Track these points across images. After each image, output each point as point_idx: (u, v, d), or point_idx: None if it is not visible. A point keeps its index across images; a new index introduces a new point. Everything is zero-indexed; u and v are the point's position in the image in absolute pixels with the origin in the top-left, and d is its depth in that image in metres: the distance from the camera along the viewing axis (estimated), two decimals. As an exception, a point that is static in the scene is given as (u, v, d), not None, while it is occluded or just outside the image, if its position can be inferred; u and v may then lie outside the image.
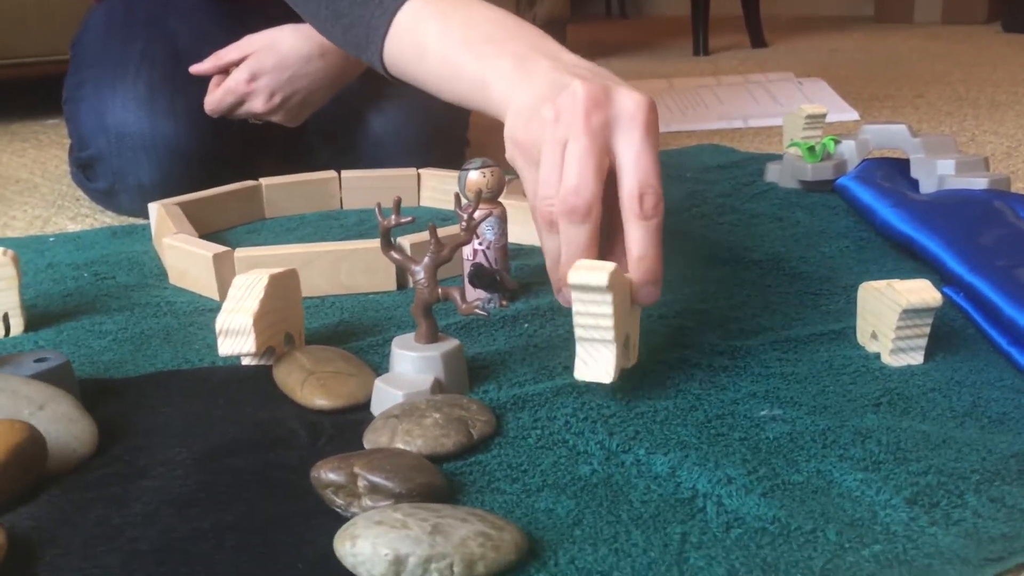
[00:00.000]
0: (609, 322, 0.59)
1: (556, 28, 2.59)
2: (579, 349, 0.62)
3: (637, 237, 0.63)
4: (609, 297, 0.58)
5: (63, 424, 0.59)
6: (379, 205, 0.68)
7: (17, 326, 0.80)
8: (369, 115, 1.26)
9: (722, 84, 1.99)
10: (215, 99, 1.16)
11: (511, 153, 0.67)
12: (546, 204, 0.63)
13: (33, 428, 0.55)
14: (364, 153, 1.27)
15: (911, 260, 0.92)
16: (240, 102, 1.17)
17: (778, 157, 1.33)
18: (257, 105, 1.17)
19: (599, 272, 0.58)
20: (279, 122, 1.21)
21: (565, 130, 0.62)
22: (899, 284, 0.69)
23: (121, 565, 0.48)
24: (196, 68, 1.18)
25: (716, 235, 1.04)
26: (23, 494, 0.54)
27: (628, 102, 0.62)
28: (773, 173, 1.26)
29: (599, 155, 0.61)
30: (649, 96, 0.63)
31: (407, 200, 1.21)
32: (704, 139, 1.63)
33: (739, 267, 0.94)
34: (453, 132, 1.33)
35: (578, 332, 0.61)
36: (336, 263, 0.90)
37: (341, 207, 1.22)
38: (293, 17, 0.96)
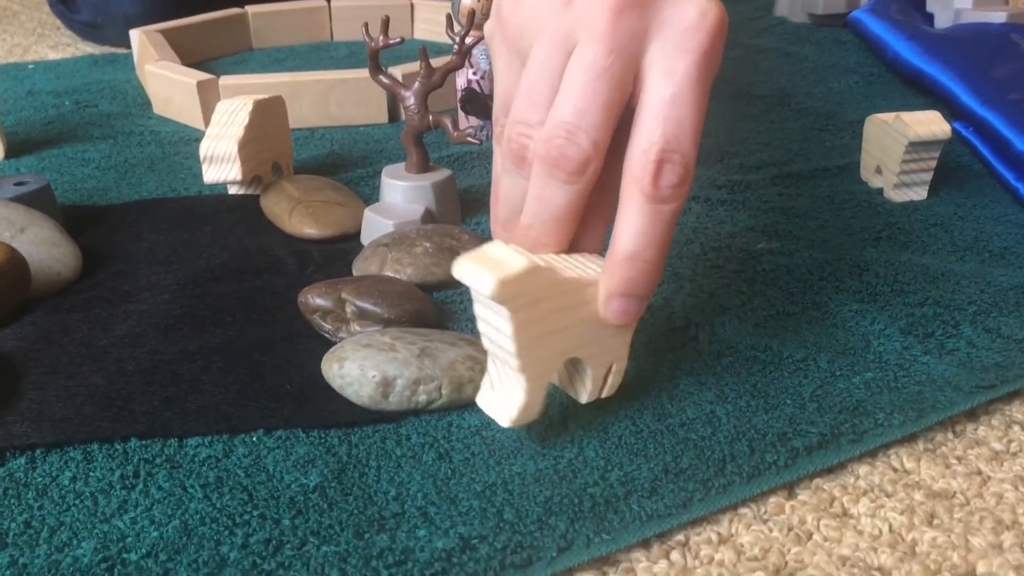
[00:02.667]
0: (510, 345, 0.40)
1: None
2: (488, 363, 0.44)
3: (634, 225, 0.40)
4: (504, 313, 0.39)
5: (45, 247, 0.57)
6: (366, 25, 0.65)
7: (-3, 153, 0.78)
8: None
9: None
10: None
11: (490, 32, 0.46)
12: (520, 130, 0.42)
13: (15, 250, 0.54)
14: None
15: (922, 96, 0.89)
16: None
17: (788, -9, 1.27)
18: None
19: (490, 273, 0.38)
20: None
21: (576, 23, 0.40)
22: (907, 116, 0.67)
23: (107, 383, 0.47)
24: None
25: (720, 71, 1.00)
26: (7, 315, 0.53)
27: (688, 8, 0.40)
28: (782, 7, 1.21)
29: (618, 79, 0.40)
30: (721, 7, 0.41)
31: (400, 32, 1.16)
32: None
33: (742, 102, 0.90)
34: None
35: (484, 341, 0.43)
36: (325, 93, 0.86)
37: (331, 38, 1.17)
38: None
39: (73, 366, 0.49)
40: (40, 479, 0.41)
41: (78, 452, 0.43)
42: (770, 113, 0.87)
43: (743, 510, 0.41)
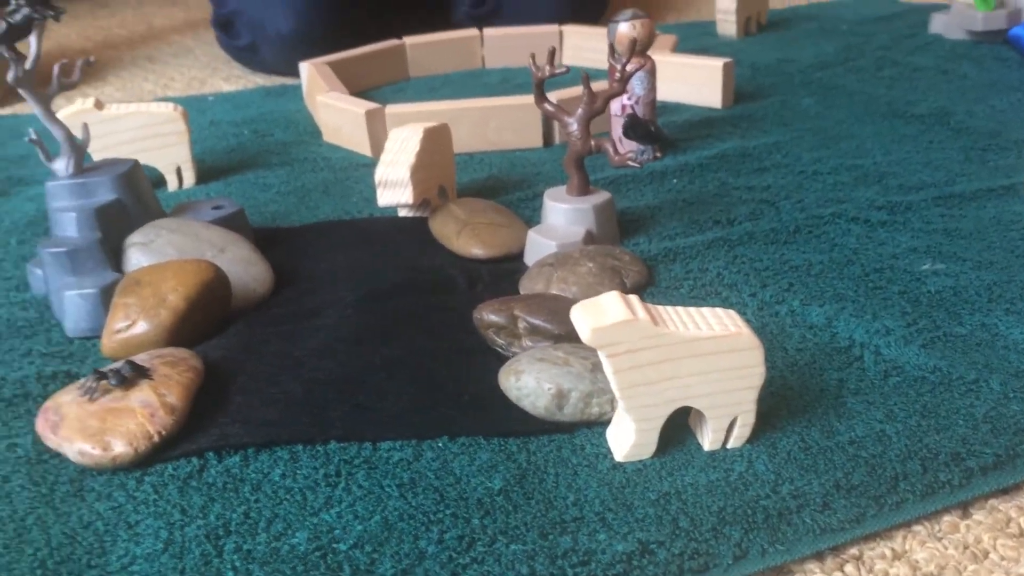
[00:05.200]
0: (614, 387, 0.44)
1: None
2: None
3: None
4: (603, 357, 0.43)
5: (242, 266, 0.63)
6: (533, 56, 0.68)
7: (189, 178, 0.85)
8: None
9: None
10: None
11: None
12: None
13: (219, 268, 0.59)
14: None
15: (1091, 114, 0.86)
16: None
17: (944, 7, 1.24)
18: None
19: (588, 321, 0.43)
20: None
21: None
22: (1081, 135, 0.65)
23: (304, 391, 0.52)
24: None
25: (874, 89, 1.00)
26: (212, 328, 0.59)
27: None
28: (939, 24, 1.19)
29: None
30: None
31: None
32: (860, -10, 1.53)
33: (899, 122, 0.89)
34: None
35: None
36: (484, 119, 0.90)
37: (483, 66, 1.22)
38: None
39: (273, 375, 0.54)
40: (254, 475, 0.46)
41: (285, 452, 0.47)
42: (929, 132, 0.86)
43: (916, 527, 0.42)
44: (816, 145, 0.84)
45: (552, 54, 0.65)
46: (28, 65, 0.61)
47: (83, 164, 0.65)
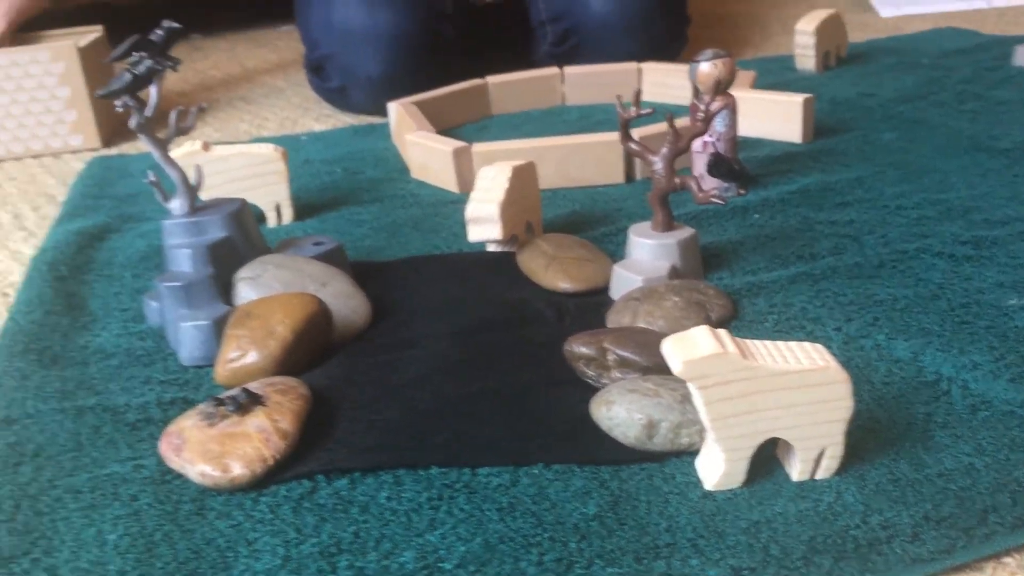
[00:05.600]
0: (704, 418, 0.46)
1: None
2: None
3: None
4: (693, 390, 0.45)
5: (342, 299, 0.66)
6: (619, 97, 0.71)
7: (287, 215, 0.90)
8: None
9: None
10: None
11: None
12: None
13: (322, 302, 0.63)
14: (587, 35, 1.27)
15: None
16: None
17: (1028, 38, 1.24)
18: None
19: (679, 354, 0.45)
20: None
21: None
22: None
23: (404, 418, 0.55)
24: None
25: (957, 123, 1.00)
26: (316, 357, 0.62)
27: None
28: (1022, 56, 1.18)
29: None
30: None
31: (629, 94, 1.22)
32: (941, 22, 1.53)
33: (982, 156, 0.89)
34: (674, 3, 1.32)
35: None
36: (567, 156, 0.93)
37: (563, 103, 1.25)
38: None
39: (374, 403, 0.57)
40: (361, 497, 0.48)
41: (389, 476, 0.50)
42: (1014, 167, 0.86)
43: (1006, 559, 0.42)
44: (899, 180, 0.85)
45: (638, 96, 0.68)
46: (148, 112, 0.66)
47: (196, 203, 0.69)
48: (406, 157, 1.04)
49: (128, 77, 0.64)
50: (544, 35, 1.32)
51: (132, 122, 0.65)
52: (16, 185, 1.10)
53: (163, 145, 0.68)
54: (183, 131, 0.69)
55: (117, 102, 0.64)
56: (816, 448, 0.47)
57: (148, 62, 0.64)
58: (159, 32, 0.67)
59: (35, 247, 0.89)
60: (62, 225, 0.91)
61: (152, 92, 0.66)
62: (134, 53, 0.65)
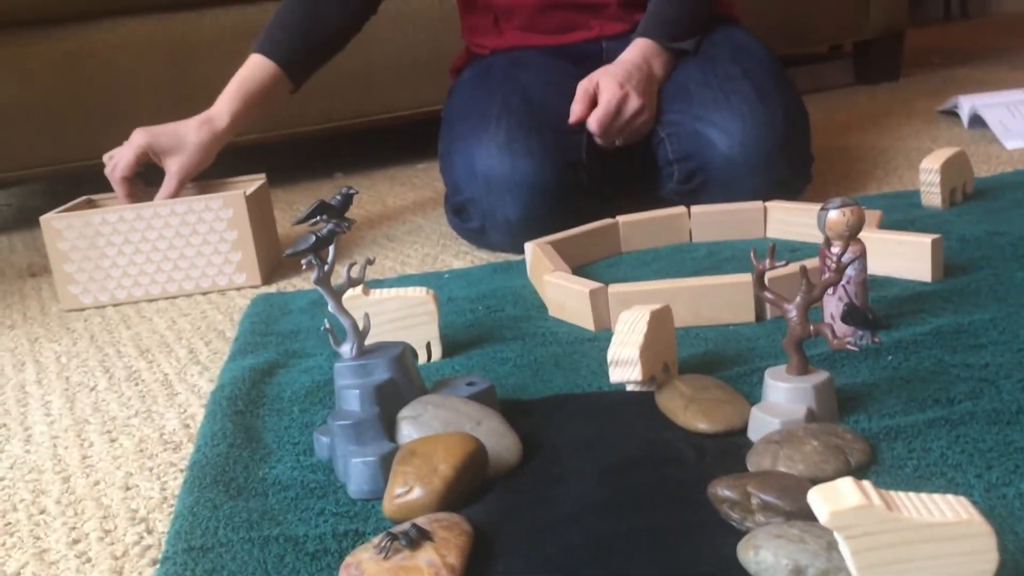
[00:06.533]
0: (852, 569, 0.48)
1: (894, 38, 2.50)
2: None
3: None
4: (840, 540, 0.47)
5: (495, 438, 0.72)
6: (754, 249, 0.75)
7: (436, 353, 0.96)
8: (713, 135, 1.33)
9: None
10: (598, 117, 1.31)
11: None
12: None
13: (478, 440, 0.68)
14: (713, 174, 1.33)
15: None
16: (619, 107, 1.31)
17: None
18: (633, 103, 1.32)
19: (825, 504, 0.47)
20: (645, 120, 1.36)
21: None
22: None
23: (559, 554, 0.59)
24: (574, 117, 1.33)
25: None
26: (474, 494, 0.67)
27: None
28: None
29: None
30: None
31: (754, 232, 1.27)
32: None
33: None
34: (797, 144, 1.36)
35: None
36: (699, 297, 0.98)
37: (690, 240, 1.30)
38: None
39: (530, 538, 0.61)
40: (524, 632, 0.52)
41: (549, 612, 0.54)
42: None
43: None
44: (1020, 327, 0.85)
45: (772, 250, 0.72)
46: (327, 269, 0.74)
47: (363, 347, 0.76)
48: (543, 296, 1.10)
49: (312, 239, 0.73)
50: (671, 174, 1.38)
51: (313, 277, 0.73)
52: (189, 321, 1.21)
53: (338, 296, 0.75)
54: (354, 283, 0.77)
55: (303, 261, 0.72)
56: None
57: (330, 225, 0.73)
58: (338, 197, 0.76)
59: (210, 380, 0.98)
60: (235, 361, 1.00)
61: (331, 251, 0.75)
62: (317, 217, 0.74)
